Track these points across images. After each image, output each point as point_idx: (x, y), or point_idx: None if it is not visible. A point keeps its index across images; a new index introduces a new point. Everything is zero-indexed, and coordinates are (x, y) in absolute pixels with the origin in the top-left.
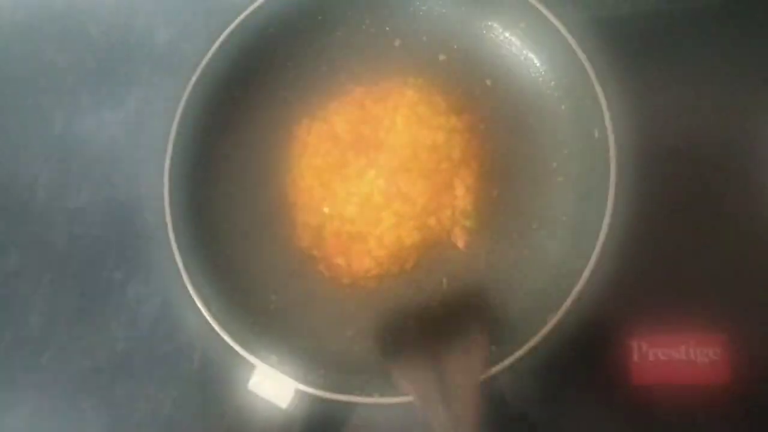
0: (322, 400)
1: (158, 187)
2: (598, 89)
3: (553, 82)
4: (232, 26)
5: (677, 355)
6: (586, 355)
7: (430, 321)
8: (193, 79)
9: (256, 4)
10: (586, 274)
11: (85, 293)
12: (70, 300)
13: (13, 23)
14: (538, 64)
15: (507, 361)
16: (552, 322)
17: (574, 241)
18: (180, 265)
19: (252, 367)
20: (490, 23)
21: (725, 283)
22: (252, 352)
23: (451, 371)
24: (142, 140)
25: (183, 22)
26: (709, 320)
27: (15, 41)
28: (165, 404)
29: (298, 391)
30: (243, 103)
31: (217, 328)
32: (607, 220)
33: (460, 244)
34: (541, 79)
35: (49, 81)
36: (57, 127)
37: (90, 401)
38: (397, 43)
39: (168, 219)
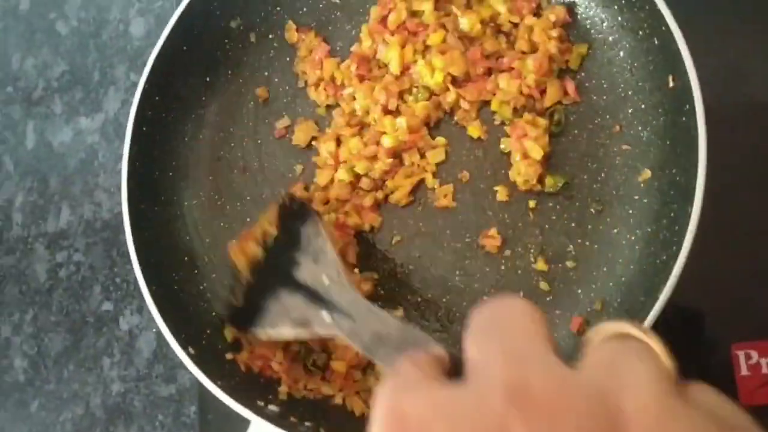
0: None
1: None
2: (671, 21)
3: (604, 23)
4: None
5: None
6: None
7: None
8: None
9: None
10: (675, 271)
11: (73, 330)
12: (57, 338)
13: None
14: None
15: None
16: None
17: (654, 228)
18: (155, 313)
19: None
20: None
21: None
22: (246, 404)
23: (312, 279)
24: (123, 148)
25: (160, 10)
26: None
27: None
28: None
29: None
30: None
31: (206, 382)
32: (698, 197)
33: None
34: (587, 17)
35: (17, 90)
36: (29, 142)
37: None
38: None
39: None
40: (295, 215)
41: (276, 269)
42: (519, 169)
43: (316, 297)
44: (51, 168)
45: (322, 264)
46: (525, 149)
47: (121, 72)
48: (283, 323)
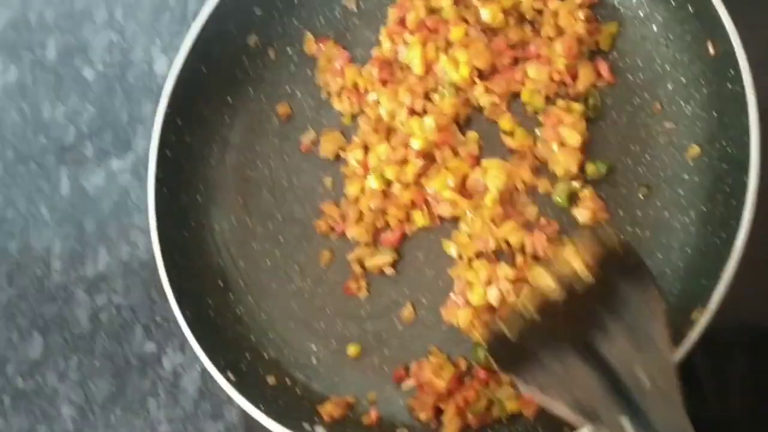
0: None
1: None
2: None
3: None
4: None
5: None
6: (745, 362)
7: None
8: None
9: None
10: (737, 247)
11: (118, 373)
12: (102, 383)
13: (5, 84)
14: None
15: None
16: (701, 322)
17: (709, 207)
18: (191, 339)
19: None
20: None
21: None
22: (292, 427)
23: (623, 364)
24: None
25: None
26: None
27: (9, 102)
28: None
29: None
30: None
31: (248, 408)
32: (754, 166)
33: None
34: None
35: (49, 139)
36: (63, 188)
37: None
38: None
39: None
40: (622, 267)
41: (573, 322)
42: (558, 158)
43: (617, 387)
44: (86, 212)
45: (643, 352)
46: (562, 137)
47: (148, 110)
48: (558, 394)
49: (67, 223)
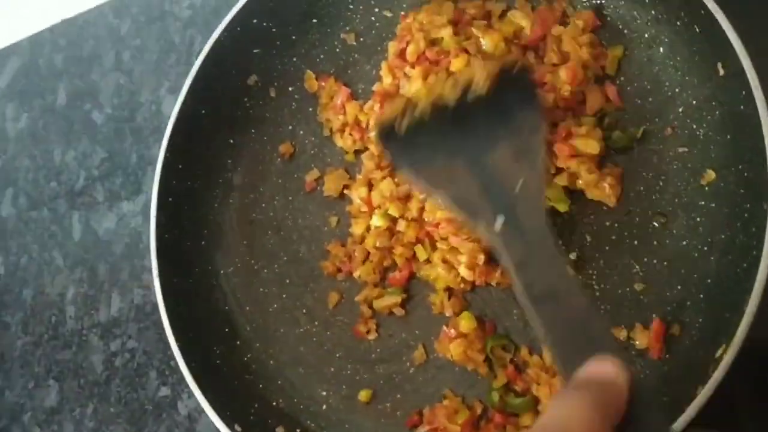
0: None
1: None
2: (710, 3)
3: (637, 20)
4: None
5: None
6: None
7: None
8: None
9: None
10: (760, 277)
11: (133, 419)
12: (118, 430)
13: (17, 131)
14: None
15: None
16: (726, 359)
17: (728, 234)
18: (195, 390)
19: None
20: None
21: None
22: None
23: (502, 172)
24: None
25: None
26: None
27: (22, 149)
28: None
29: None
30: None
31: None
32: None
33: None
34: (617, 18)
35: (61, 184)
36: (76, 233)
37: None
38: None
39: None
40: (517, 89)
41: (464, 130)
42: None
43: (494, 192)
44: (98, 257)
45: (522, 166)
46: (575, 148)
47: (157, 151)
48: (444, 190)
49: (79, 268)
